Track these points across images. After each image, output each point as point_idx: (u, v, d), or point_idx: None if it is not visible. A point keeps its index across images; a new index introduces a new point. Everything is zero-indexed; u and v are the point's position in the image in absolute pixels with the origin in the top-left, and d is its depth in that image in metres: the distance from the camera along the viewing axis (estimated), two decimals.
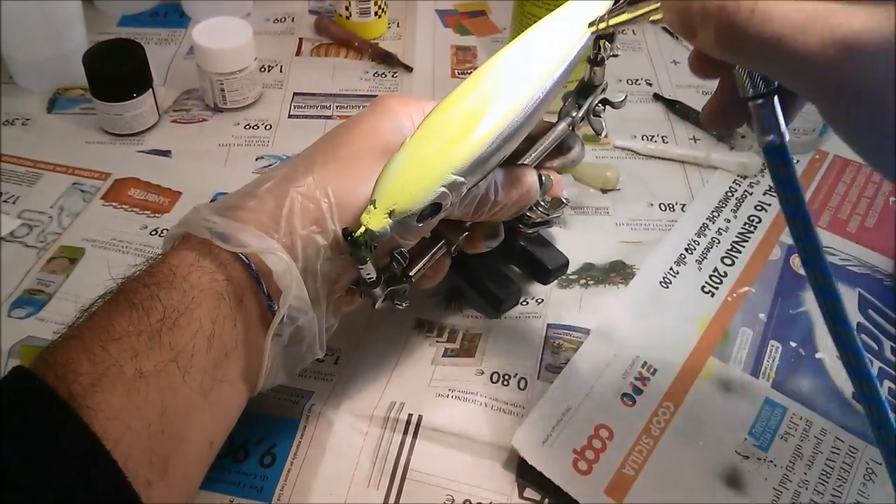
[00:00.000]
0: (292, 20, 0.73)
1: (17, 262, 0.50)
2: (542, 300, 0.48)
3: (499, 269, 0.48)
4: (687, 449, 0.41)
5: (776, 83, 0.27)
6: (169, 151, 0.59)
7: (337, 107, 0.63)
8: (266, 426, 0.41)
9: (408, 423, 0.42)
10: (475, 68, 0.66)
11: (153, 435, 0.31)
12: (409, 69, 0.67)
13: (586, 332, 0.46)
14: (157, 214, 0.54)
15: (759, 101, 0.27)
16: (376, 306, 0.39)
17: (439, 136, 0.34)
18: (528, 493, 0.39)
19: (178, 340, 0.32)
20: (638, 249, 0.52)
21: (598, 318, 0.47)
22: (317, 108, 0.63)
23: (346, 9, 0.69)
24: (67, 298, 0.48)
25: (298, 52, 0.69)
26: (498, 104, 0.35)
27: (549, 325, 0.47)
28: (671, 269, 0.50)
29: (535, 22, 0.57)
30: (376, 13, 0.69)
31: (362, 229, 0.33)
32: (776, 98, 0.27)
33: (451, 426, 0.42)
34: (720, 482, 0.40)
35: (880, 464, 0.41)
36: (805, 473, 0.41)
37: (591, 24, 0.37)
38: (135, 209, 0.54)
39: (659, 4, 0.31)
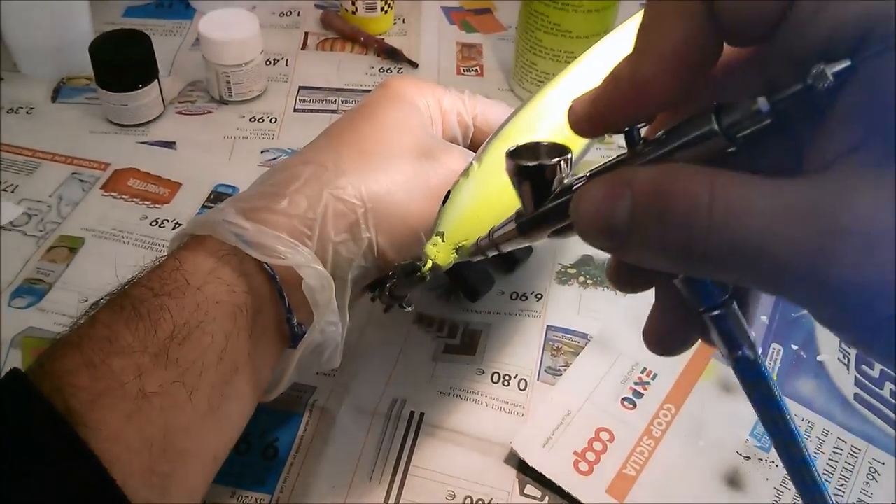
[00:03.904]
0: (298, 14, 0.73)
1: (16, 250, 0.49)
2: (541, 296, 0.48)
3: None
4: (688, 449, 0.41)
5: (732, 287, 0.22)
6: (174, 143, 0.58)
7: (342, 101, 0.63)
8: (269, 420, 0.41)
9: (410, 419, 0.42)
10: (480, 66, 0.67)
11: (154, 454, 0.29)
12: (414, 65, 0.67)
13: (584, 336, 0.46)
14: (157, 205, 0.53)
15: (717, 311, 0.22)
16: (386, 311, 0.39)
17: None
18: (529, 490, 0.39)
19: (186, 357, 0.30)
20: None
21: (597, 326, 0.47)
22: (322, 102, 0.63)
23: (353, 4, 0.69)
24: (67, 288, 0.47)
25: (304, 46, 0.69)
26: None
27: (548, 327, 0.47)
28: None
29: (542, 20, 0.58)
30: (382, 9, 0.69)
31: (430, 264, 0.33)
32: (734, 304, 0.22)
33: (453, 424, 0.42)
34: (721, 482, 0.40)
35: (883, 463, 0.42)
36: None
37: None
38: (134, 199, 0.54)
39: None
